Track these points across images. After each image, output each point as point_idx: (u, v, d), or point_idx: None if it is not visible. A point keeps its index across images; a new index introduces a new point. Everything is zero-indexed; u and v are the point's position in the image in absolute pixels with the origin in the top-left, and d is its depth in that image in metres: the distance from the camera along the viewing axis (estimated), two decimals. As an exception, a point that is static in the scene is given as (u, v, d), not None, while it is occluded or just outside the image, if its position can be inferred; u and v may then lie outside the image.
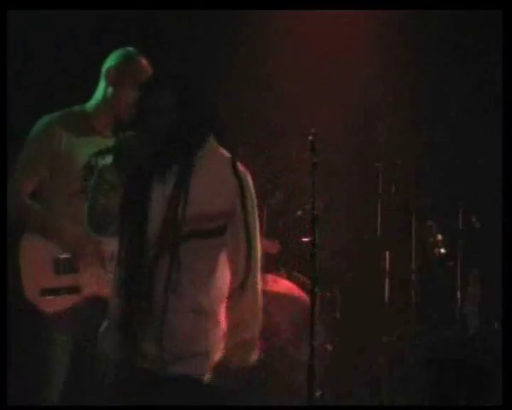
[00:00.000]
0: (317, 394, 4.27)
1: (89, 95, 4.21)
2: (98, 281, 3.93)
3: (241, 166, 3.19)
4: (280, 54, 5.82)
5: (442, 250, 5.48)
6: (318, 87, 5.87)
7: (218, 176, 3.13)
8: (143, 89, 3.19)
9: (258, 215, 3.22)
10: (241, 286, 3.14)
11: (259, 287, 3.19)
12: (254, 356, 3.16)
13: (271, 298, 5.15)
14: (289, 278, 5.35)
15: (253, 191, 3.19)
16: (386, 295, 5.78)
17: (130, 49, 4.17)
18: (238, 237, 3.13)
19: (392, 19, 5.71)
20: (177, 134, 3.10)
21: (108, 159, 3.14)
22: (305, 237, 4.35)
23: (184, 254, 3.06)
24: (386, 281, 5.80)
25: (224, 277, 3.15)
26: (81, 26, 5.37)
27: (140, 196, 3.09)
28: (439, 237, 5.47)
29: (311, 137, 4.14)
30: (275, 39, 5.82)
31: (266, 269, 5.35)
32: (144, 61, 4.12)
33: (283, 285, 5.29)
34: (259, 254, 3.19)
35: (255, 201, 3.19)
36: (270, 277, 5.31)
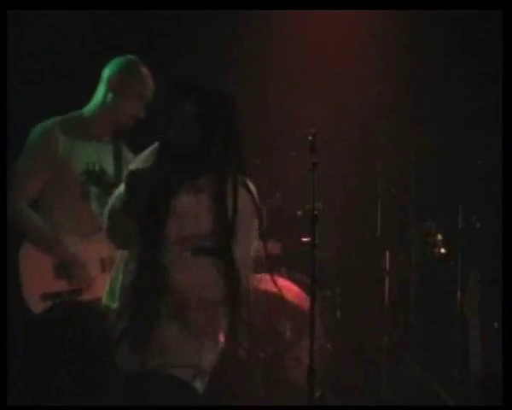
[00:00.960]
0: (317, 394, 4.27)
1: (89, 97, 4.21)
2: (98, 285, 3.92)
3: (242, 192, 3.17)
4: (279, 54, 5.82)
5: (442, 250, 5.47)
6: (318, 87, 5.87)
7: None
8: (166, 100, 3.16)
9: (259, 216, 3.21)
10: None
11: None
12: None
13: (271, 298, 5.16)
14: (289, 278, 5.35)
15: (248, 220, 3.16)
16: (386, 295, 5.78)
17: (133, 57, 4.15)
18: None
19: (393, 19, 5.71)
20: (199, 149, 3.10)
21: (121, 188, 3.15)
22: (305, 237, 4.36)
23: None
24: (386, 281, 5.80)
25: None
26: (81, 26, 5.36)
27: (157, 211, 3.08)
28: (439, 237, 5.47)
29: (310, 137, 4.14)
30: (274, 39, 5.82)
31: (266, 269, 5.38)
32: (146, 71, 4.11)
33: (283, 285, 5.29)
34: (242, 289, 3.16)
35: (250, 233, 3.17)
36: (270, 277, 5.31)
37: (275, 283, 5.24)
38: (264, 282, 5.23)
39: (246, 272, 3.15)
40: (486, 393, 4.71)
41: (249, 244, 3.17)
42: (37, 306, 3.91)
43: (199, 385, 3.15)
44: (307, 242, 4.20)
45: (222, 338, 3.15)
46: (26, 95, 5.08)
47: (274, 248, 5.36)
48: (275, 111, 5.87)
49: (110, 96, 4.07)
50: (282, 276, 5.34)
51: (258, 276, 5.19)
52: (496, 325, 5.16)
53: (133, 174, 3.10)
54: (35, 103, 4.94)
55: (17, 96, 4.74)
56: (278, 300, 5.18)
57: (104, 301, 3.33)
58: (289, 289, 5.27)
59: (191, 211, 3.09)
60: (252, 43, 5.74)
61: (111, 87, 4.07)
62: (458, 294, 5.54)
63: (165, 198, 3.08)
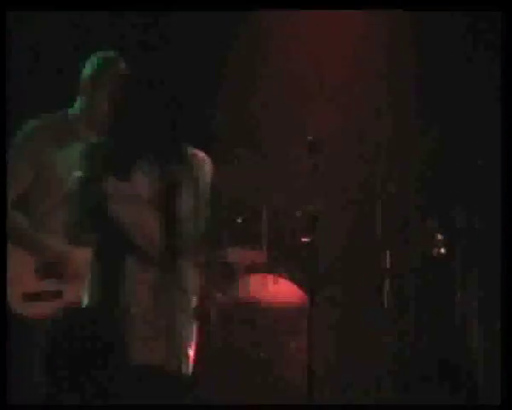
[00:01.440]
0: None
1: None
2: (81, 288, 3.87)
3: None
4: (280, 54, 5.82)
5: (442, 250, 5.47)
6: (318, 87, 5.86)
7: None
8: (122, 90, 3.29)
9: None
10: None
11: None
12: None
13: (271, 299, 5.16)
14: (289, 278, 5.34)
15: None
16: (386, 295, 5.78)
17: (107, 53, 4.12)
18: None
19: (393, 19, 5.71)
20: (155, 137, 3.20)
21: (78, 172, 3.24)
22: (305, 237, 4.35)
23: None
24: (386, 281, 5.80)
25: None
26: (81, 26, 5.36)
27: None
28: (439, 237, 5.47)
29: (310, 138, 4.15)
30: (273, 40, 5.82)
31: (266, 269, 5.38)
32: (121, 65, 4.07)
33: (283, 285, 5.29)
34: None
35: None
36: (270, 277, 5.31)
37: (274, 282, 5.29)
38: (264, 283, 5.24)
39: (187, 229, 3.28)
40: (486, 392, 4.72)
41: (193, 209, 3.32)
42: (18, 306, 3.89)
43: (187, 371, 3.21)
44: (307, 242, 4.20)
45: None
46: (27, 94, 5.08)
47: (260, 256, 5.38)
48: (275, 111, 5.86)
49: (85, 95, 4.07)
50: (281, 276, 5.34)
51: (258, 277, 5.21)
52: (496, 325, 5.16)
53: (92, 145, 3.30)
54: (35, 103, 4.94)
55: (17, 95, 4.74)
56: (277, 300, 5.19)
57: (86, 300, 3.35)
58: (289, 289, 5.27)
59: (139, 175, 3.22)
60: (251, 43, 5.74)
61: (85, 87, 4.07)
62: (458, 294, 5.54)
63: (119, 166, 3.22)
